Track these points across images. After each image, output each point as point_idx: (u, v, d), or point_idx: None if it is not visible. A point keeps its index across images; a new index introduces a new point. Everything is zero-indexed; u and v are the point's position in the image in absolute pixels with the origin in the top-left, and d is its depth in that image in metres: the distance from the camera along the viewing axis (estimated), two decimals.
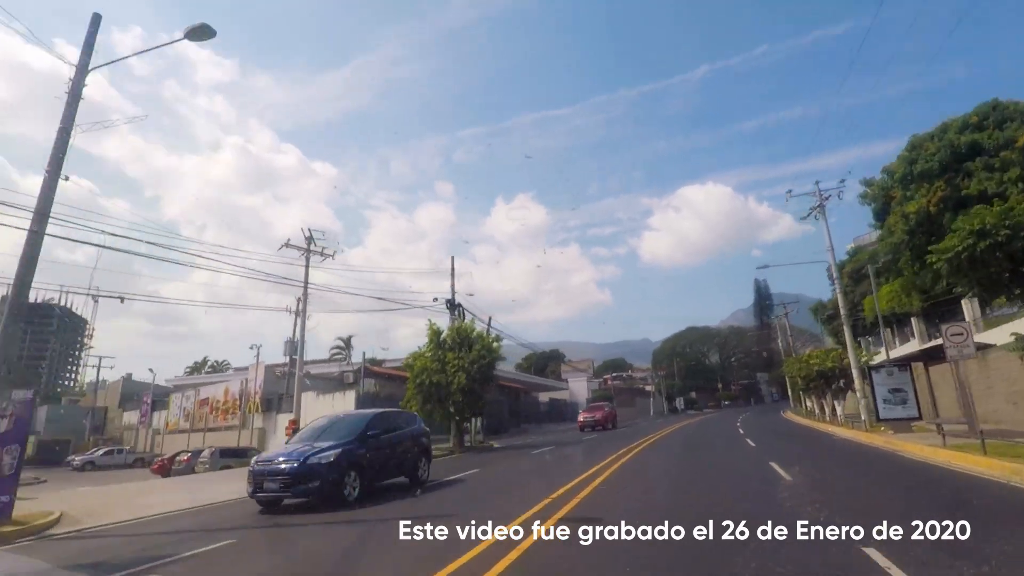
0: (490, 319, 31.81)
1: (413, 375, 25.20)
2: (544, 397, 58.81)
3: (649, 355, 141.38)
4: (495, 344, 26.87)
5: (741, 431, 27.45)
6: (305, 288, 23.46)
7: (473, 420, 28.03)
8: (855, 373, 22.23)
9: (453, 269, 28.45)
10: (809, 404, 37.18)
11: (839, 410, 26.21)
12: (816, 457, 14.29)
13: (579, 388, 57.98)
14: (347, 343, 57.37)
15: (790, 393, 53.75)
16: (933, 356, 19.22)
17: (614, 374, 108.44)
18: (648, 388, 71.98)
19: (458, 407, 24.58)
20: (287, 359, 30.31)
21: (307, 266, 23.62)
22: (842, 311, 23.18)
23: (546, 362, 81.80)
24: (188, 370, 73.31)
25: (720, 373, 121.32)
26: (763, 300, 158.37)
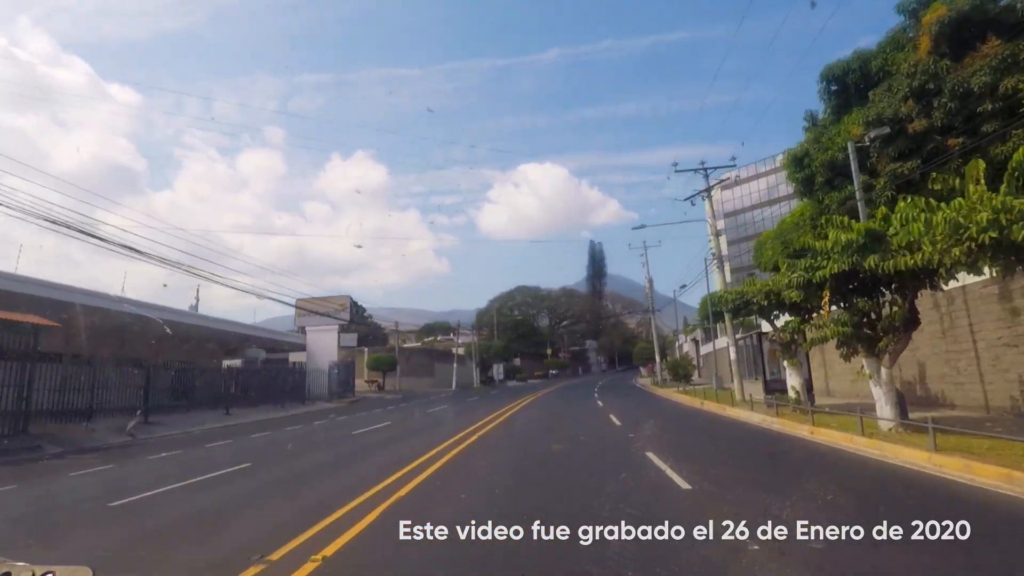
0: None
1: None
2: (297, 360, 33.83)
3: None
4: None
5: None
6: None
7: None
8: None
9: None
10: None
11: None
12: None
13: (324, 345, 34.18)
14: None
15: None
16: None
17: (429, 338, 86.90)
18: (457, 351, 50.72)
19: None
20: None
21: None
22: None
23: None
24: None
25: (549, 340, 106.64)
26: (597, 265, 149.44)
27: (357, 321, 41.08)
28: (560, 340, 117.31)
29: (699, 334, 46.45)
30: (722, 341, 33.84)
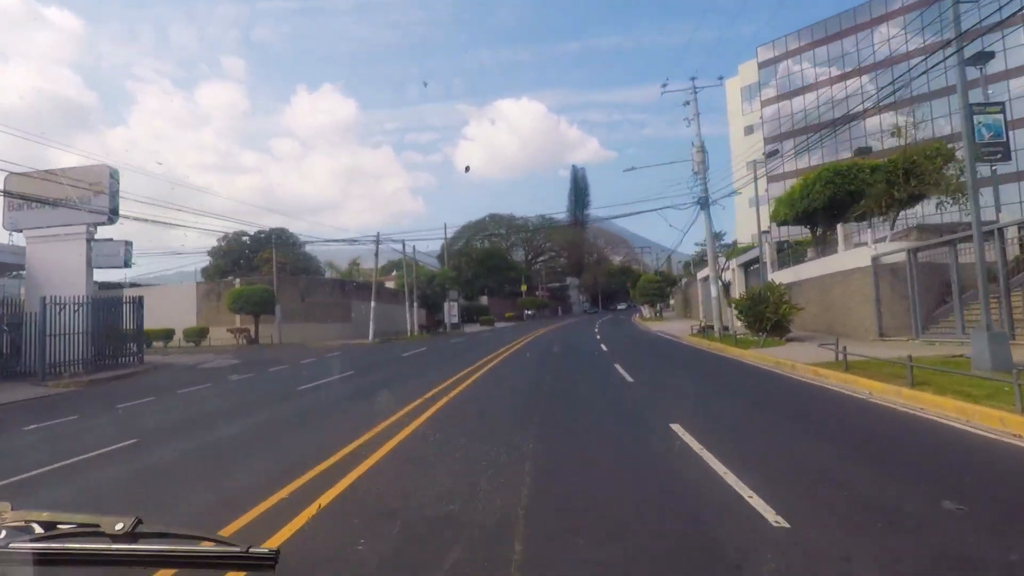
0: None
1: None
2: None
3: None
4: None
5: None
6: None
7: None
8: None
9: None
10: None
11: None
12: None
13: (62, 265, 16.63)
14: None
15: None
16: None
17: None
18: (389, 284, 33.53)
19: None
20: None
21: None
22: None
23: None
24: None
25: (525, 275, 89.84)
26: (580, 193, 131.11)
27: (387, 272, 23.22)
28: (537, 276, 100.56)
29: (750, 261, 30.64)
30: (843, 259, 17.55)
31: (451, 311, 41.68)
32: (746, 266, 30.94)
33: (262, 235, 72.49)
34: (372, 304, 30.46)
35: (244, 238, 71.07)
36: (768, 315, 17.45)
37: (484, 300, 68.50)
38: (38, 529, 1.09)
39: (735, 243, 69.90)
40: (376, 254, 31.09)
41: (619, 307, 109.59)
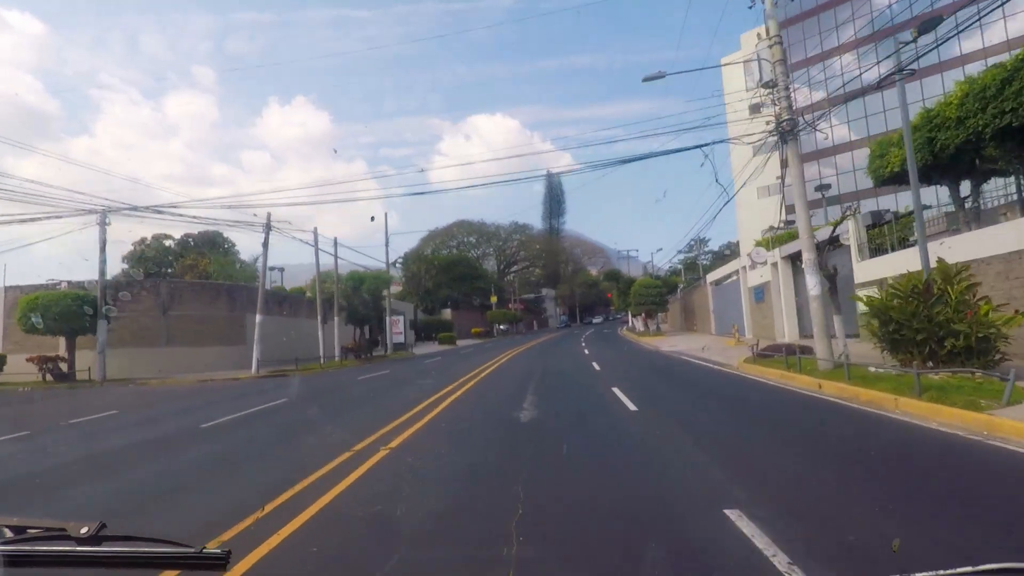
0: None
1: None
2: None
3: None
4: None
5: None
6: None
7: None
8: None
9: None
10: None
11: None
12: None
13: None
14: None
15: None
16: None
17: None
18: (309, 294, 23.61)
19: None
20: None
21: None
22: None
23: None
24: None
25: (496, 285, 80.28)
26: (555, 200, 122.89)
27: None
28: (511, 288, 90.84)
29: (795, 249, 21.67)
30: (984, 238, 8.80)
31: (394, 328, 31.81)
32: (793, 259, 22.13)
33: (190, 239, 61.55)
34: (258, 319, 20.45)
35: (168, 242, 60.02)
36: (954, 326, 8.40)
37: (448, 314, 58.61)
38: (8, 533, 1.13)
39: (734, 244, 61.41)
40: (265, 243, 21.07)
41: (595, 320, 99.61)
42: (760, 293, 25.44)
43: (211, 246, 60.21)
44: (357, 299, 26.56)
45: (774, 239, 23.01)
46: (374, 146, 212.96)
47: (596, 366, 16.51)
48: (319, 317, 24.96)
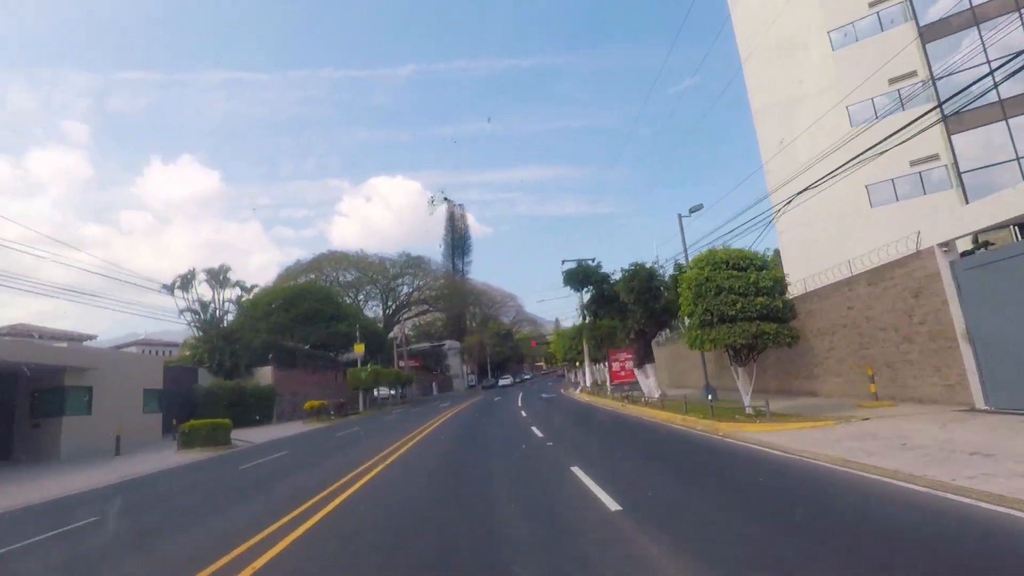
0: None
1: None
2: None
3: None
4: None
5: None
6: None
7: None
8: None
9: None
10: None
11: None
12: None
13: None
14: None
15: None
16: None
17: None
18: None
19: None
20: None
21: None
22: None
23: None
24: None
25: (362, 324, 55.97)
26: (458, 236, 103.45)
27: None
28: (401, 339, 67.32)
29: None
30: None
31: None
32: None
33: None
34: None
35: None
36: None
37: (267, 374, 35.54)
38: None
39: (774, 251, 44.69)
40: None
41: (501, 382, 71.48)
42: None
43: None
44: None
45: None
46: (272, 207, 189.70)
47: None
48: None
